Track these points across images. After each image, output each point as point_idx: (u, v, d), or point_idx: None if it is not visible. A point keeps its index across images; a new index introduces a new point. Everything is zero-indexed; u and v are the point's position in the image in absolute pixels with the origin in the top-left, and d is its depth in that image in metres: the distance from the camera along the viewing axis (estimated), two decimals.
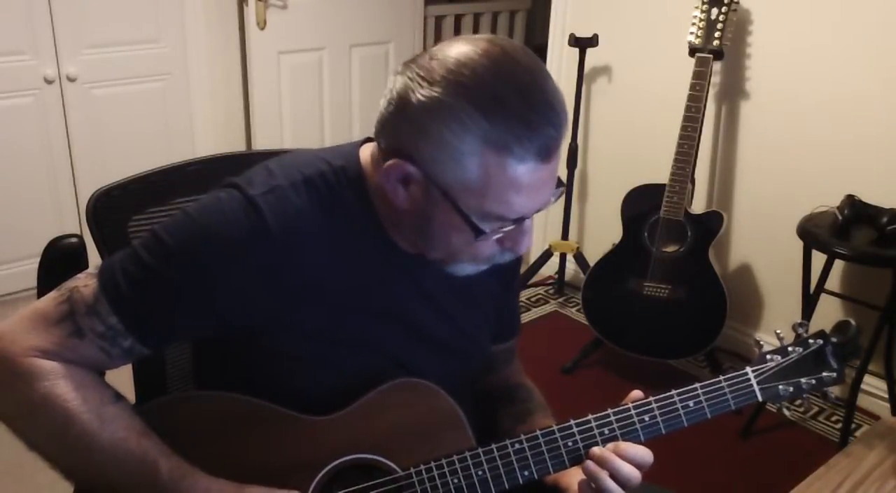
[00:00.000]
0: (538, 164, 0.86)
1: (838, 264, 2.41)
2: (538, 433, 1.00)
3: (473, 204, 0.88)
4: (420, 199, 0.91)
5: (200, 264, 0.92)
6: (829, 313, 2.46)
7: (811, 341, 1.07)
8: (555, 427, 1.00)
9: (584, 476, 0.99)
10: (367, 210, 0.98)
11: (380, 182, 0.94)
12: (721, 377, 1.04)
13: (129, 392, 1.07)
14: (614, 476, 0.97)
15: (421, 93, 0.86)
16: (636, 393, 1.03)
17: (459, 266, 0.98)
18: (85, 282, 0.93)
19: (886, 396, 2.47)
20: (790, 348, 1.07)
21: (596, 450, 0.98)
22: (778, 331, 1.11)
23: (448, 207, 0.89)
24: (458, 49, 0.87)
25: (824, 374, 1.06)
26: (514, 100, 0.84)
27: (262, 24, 3.30)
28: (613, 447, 0.99)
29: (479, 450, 0.99)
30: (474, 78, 0.84)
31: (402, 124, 0.89)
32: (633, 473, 0.97)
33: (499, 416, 1.18)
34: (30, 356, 0.91)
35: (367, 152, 0.99)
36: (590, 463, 0.98)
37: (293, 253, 0.94)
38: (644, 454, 0.99)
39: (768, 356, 1.06)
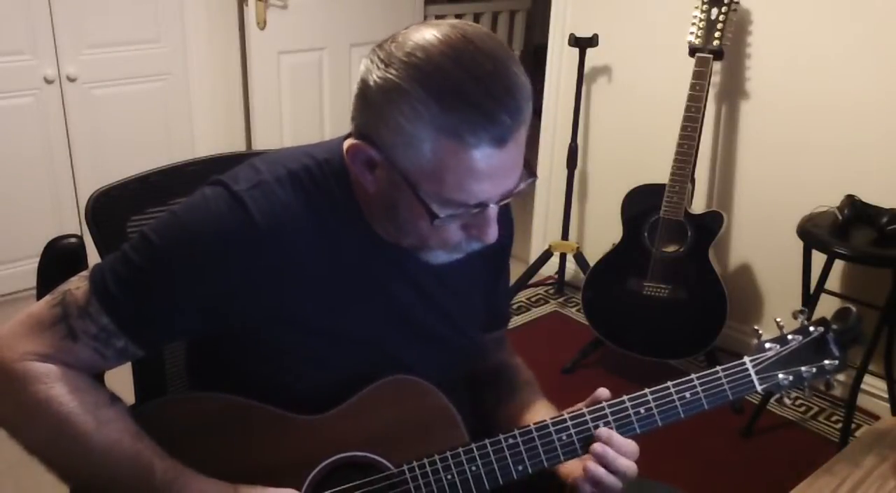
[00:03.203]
0: (494, 150, 0.85)
1: (838, 264, 2.41)
2: (532, 427, 1.00)
3: (432, 189, 0.88)
4: (385, 183, 0.91)
5: (187, 261, 0.92)
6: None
7: (812, 328, 1.05)
8: (549, 421, 1.00)
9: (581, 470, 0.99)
10: (351, 202, 0.98)
11: (349, 167, 0.94)
12: (718, 368, 1.02)
13: (129, 393, 1.07)
14: (615, 472, 0.97)
15: (377, 75, 0.85)
16: (603, 392, 1.02)
17: (432, 254, 0.97)
18: (77, 284, 0.93)
19: (886, 396, 2.47)
20: (790, 337, 1.05)
21: (597, 447, 0.98)
22: (778, 319, 1.08)
23: (410, 192, 0.89)
24: (420, 33, 0.86)
25: (826, 362, 1.04)
26: (468, 85, 0.83)
27: (262, 24, 3.30)
28: (607, 438, 0.98)
29: (473, 446, 0.99)
30: (429, 62, 0.83)
31: (363, 108, 0.89)
32: (629, 465, 0.98)
33: (484, 396, 1.19)
34: (25, 360, 0.91)
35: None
36: (590, 463, 0.98)
37: (280, 247, 0.94)
38: (633, 445, 1.00)
39: (767, 345, 1.04)
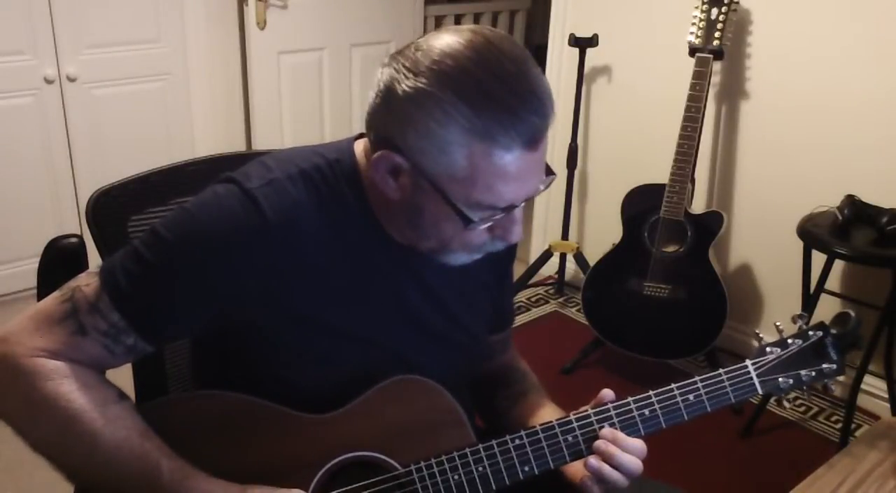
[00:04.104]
0: (524, 152, 0.87)
1: (838, 264, 2.41)
2: (538, 428, 1.00)
3: (462, 193, 0.89)
4: (410, 189, 0.92)
5: (199, 258, 0.92)
6: (829, 313, 2.42)
7: (811, 332, 1.07)
8: (555, 422, 1.01)
9: (585, 470, 0.99)
10: (362, 203, 0.99)
11: (371, 175, 0.94)
12: (721, 370, 1.04)
13: (130, 392, 1.07)
14: (618, 468, 0.98)
15: (406, 84, 0.86)
16: (607, 393, 1.03)
17: (452, 256, 0.98)
18: (87, 281, 0.93)
19: (886, 396, 2.47)
20: (790, 341, 1.07)
21: (600, 443, 0.99)
22: (777, 323, 1.10)
23: (437, 197, 0.90)
24: (443, 40, 0.87)
25: (824, 366, 1.06)
26: (498, 89, 0.84)
27: (262, 24, 3.30)
28: (612, 437, 0.99)
29: (480, 446, 0.99)
30: (458, 68, 0.85)
31: (388, 116, 0.90)
32: (635, 463, 0.98)
33: (495, 399, 1.20)
34: (34, 356, 0.91)
35: (360, 147, 1.00)
36: (592, 459, 0.98)
37: (291, 245, 0.94)
38: (640, 444, 1.00)
39: (768, 349, 1.06)
